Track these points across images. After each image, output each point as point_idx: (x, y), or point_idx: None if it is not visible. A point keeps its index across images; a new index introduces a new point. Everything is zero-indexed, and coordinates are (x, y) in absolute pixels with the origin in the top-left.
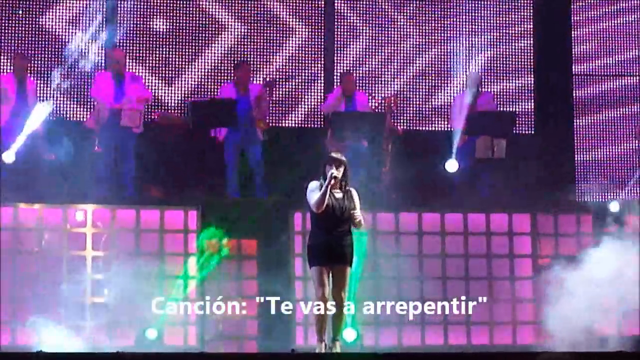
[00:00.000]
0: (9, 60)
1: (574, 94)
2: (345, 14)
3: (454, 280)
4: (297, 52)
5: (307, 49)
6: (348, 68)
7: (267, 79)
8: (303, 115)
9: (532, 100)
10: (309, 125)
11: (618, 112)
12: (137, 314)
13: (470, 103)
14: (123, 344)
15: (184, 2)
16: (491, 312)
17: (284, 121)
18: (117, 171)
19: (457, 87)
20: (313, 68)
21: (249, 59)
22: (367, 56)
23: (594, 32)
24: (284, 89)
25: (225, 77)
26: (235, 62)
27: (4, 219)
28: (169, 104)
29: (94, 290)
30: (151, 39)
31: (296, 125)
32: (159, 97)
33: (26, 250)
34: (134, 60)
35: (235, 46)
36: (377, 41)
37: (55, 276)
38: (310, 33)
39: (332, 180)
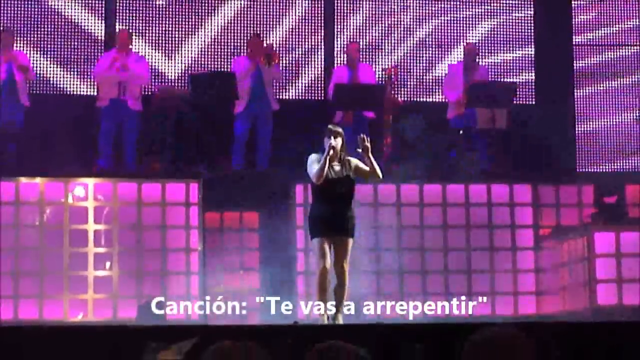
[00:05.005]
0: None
1: (575, 64)
2: None
3: (455, 252)
4: (298, 23)
5: (307, 20)
6: (349, 39)
7: (266, 51)
8: (305, 87)
9: (533, 71)
10: (311, 97)
11: (618, 82)
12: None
13: (467, 75)
14: (125, 317)
15: None
16: (492, 283)
17: (286, 93)
18: (118, 145)
19: (457, 58)
20: (314, 39)
21: (252, 30)
22: (368, 27)
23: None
24: (285, 61)
25: (226, 50)
26: (235, 33)
27: (5, 193)
28: (169, 77)
29: (96, 264)
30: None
31: (298, 97)
32: (160, 71)
33: (27, 225)
34: (135, 35)
35: (236, 18)
36: (377, 12)
37: (56, 250)
38: (310, 4)
39: (331, 150)
